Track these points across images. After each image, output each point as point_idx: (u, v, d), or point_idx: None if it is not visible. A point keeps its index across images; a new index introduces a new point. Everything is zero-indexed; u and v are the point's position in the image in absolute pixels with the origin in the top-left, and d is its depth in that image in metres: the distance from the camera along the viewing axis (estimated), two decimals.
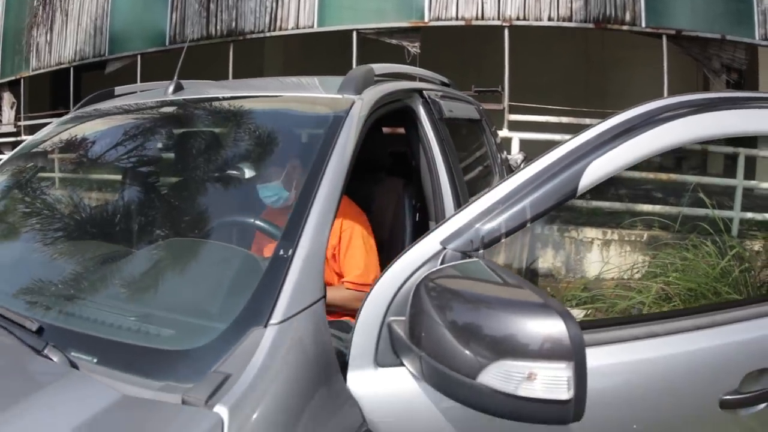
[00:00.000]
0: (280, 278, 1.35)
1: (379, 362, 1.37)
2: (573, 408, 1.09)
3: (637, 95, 2.37)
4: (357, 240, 2.35)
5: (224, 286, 1.57)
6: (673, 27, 7.95)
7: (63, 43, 11.72)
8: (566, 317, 1.08)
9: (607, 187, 5.60)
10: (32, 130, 12.27)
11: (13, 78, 12.53)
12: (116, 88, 2.82)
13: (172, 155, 2.25)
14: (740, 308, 1.81)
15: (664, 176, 5.66)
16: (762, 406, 1.60)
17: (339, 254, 2.30)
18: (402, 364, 1.35)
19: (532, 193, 1.44)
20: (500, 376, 1.10)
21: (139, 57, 10.58)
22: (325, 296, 1.42)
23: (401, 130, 2.83)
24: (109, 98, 2.68)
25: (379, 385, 1.36)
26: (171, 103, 2.30)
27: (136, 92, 2.71)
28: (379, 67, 2.33)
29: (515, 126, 8.20)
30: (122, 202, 2.14)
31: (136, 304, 1.55)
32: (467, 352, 1.15)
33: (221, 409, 1.10)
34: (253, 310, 1.32)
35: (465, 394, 1.17)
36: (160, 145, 2.27)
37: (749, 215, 5.42)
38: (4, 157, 10.63)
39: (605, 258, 5.19)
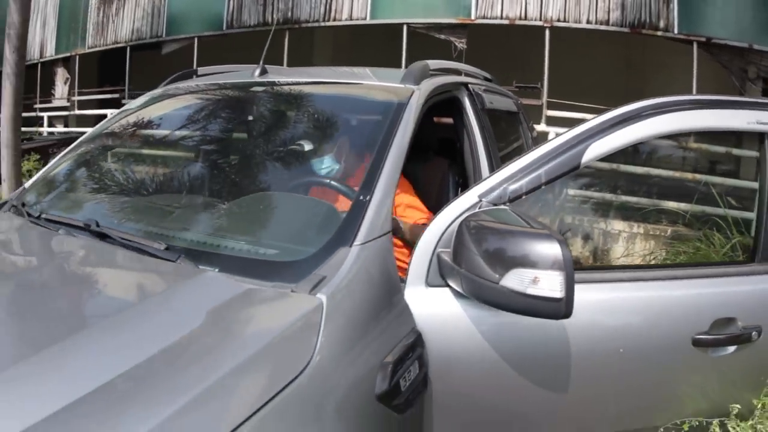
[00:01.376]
0: (360, 214, 1.89)
1: (429, 283, 1.91)
2: (564, 307, 1.61)
3: (668, 92, 2.81)
4: (413, 202, 2.98)
5: (316, 222, 2.12)
6: (703, 35, 8.41)
7: (120, 23, 12.36)
8: (562, 243, 1.61)
9: (638, 184, 6.04)
10: (83, 105, 13.01)
11: (67, 54, 13.21)
12: (198, 69, 3.40)
13: (262, 127, 2.79)
14: (713, 267, 2.33)
15: (689, 175, 6.08)
16: (730, 349, 2.10)
17: (397, 215, 2.85)
18: (446, 285, 1.89)
19: (546, 164, 2.02)
20: (515, 280, 1.63)
21: (196, 39, 11.19)
22: (391, 231, 1.96)
23: (448, 120, 3.36)
24: (190, 77, 3.25)
25: (428, 299, 1.89)
26: (259, 84, 2.86)
27: (216, 73, 3.27)
28: (434, 63, 2.86)
29: (552, 121, 8.74)
30: (226, 161, 2.70)
31: (247, 235, 2.09)
32: (493, 266, 1.69)
33: (321, 297, 1.62)
34: (341, 235, 1.85)
35: (491, 296, 1.70)
36: (251, 117, 2.82)
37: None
38: (55, 130, 11.33)
39: (629, 249, 5.62)
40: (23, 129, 11.98)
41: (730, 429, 2.12)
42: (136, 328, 1.50)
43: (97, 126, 3.14)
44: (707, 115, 2.24)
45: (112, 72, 12.86)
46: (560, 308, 1.62)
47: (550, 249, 1.61)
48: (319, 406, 1.47)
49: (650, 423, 2.13)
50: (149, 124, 3.02)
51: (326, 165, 2.53)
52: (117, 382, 1.26)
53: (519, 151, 3.93)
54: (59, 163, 2.84)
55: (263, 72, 2.89)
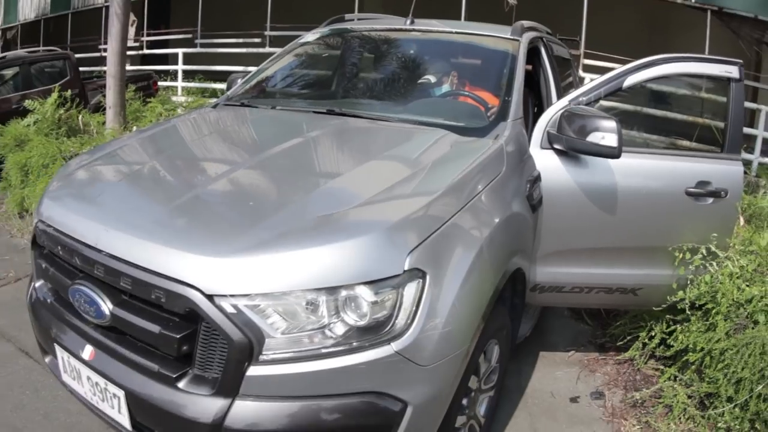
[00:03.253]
0: (509, 106, 3.68)
1: (542, 146, 3.69)
2: (618, 151, 3.35)
3: (685, 50, 4.33)
4: None
5: (480, 110, 3.89)
6: (716, 4, 10.14)
7: None
8: (616, 121, 3.36)
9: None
10: (152, 45, 14.61)
11: None
12: (345, 15, 5.18)
13: (414, 60, 4.54)
14: (699, 152, 4.12)
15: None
16: (709, 200, 3.80)
17: None
18: (551, 148, 3.66)
19: (602, 87, 3.84)
20: (593, 137, 3.39)
21: None
22: (522, 117, 3.74)
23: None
24: (340, 22, 5.02)
25: (542, 155, 3.67)
26: (411, 30, 4.62)
27: (362, 19, 5.02)
28: (525, 22, 4.59)
29: (587, 69, 10.61)
30: (393, 75, 4.41)
31: (457, 118, 3.67)
32: (579, 134, 3.47)
33: (501, 141, 3.36)
34: (502, 116, 3.63)
35: (581, 146, 3.44)
36: (410, 51, 4.57)
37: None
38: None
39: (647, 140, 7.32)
40: (91, 68, 13.73)
41: (718, 253, 3.75)
42: (411, 157, 3.13)
43: (285, 48, 4.93)
44: (697, 65, 4.03)
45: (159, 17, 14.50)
46: (616, 152, 3.38)
47: (610, 123, 3.38)
48: (510, 182, 3.23)
49: (661, 243, 3.85)
50: (336, 47, 4.85)
51: (455, 87, 4.28)
52: (403, 177, 2.84)
53: (571, 86, 5.64)
54: (262, 72, 4.64)
55: (413, 22, 4.63)
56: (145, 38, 14.51)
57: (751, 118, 12.08)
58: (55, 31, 18.68)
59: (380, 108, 3.95)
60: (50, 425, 3.50)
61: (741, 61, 4.07)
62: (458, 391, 2.68)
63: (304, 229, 2.32)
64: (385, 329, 2.25)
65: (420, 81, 4.32)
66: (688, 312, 3.78)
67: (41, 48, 11.87)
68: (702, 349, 3.65)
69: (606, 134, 3.38)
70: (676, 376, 3.95)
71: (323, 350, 2.19)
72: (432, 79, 4.30)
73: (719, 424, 3.55)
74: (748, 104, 11.50)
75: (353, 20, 5.17)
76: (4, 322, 4.63)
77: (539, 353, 4.66)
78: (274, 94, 4.51)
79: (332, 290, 2.17)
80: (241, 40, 15.01)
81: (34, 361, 4.11)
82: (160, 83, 13.11)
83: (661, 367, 4.23)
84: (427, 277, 2.33)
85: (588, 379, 4.37)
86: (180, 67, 15.03)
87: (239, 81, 4.72)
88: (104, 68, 15.21)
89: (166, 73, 14.66)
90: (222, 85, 13.75)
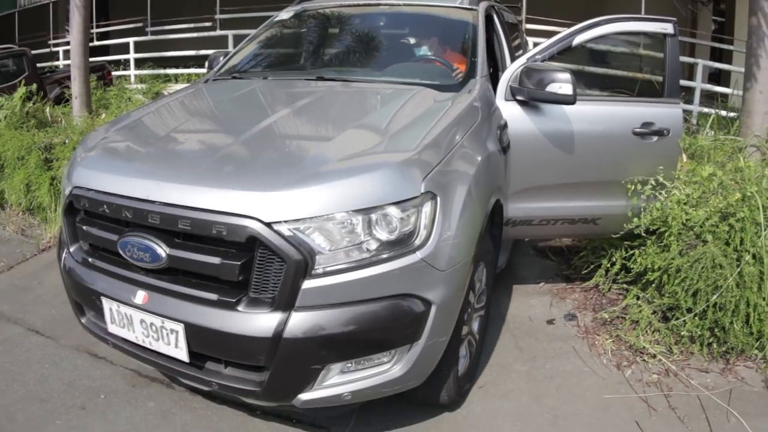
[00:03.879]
0: (477, 65, 4.25)
1: (506, 98, 4.24)
2: (573, 98, 3.92)
3: (622, 12, 4.93)
4: None
5: (451, 71, 4.43)
6: None
7: None
8: (570, 73, 3.94)
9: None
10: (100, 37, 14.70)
11: None
12: None
13: (382, 28, 5.10)
14: (643, 98, 4.72)
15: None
16: (654, 139, 4.40)
17: None
18: (514, 100, 4.23)
19: (554, 46, 4.43)
20: (551, 87, 3.95)
21: None
22: (488, 74, 4.30)
23: None
24: (307, 0, 5.52)
25: (506, 106, 4.22)
26: (377, 4, 5.18)
27: None
28: None
29: (530, 33, 11.29)
30: (368, 45, 4.94)
31: (431, 77, 4.30)
32: (538, 85, 4.03)
33: (474, 95, 3.92)
34: (471, 73, 4.21)
35: (540, 96, 4.02)
36: (380, 23, 5.12)
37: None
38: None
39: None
40: (43, 64, 13.95)
41: (665, 183, 4.34)
42: (404, 109, 3.65)
43: (262, 26, 5.40)
44: (636, 24, 4.62)
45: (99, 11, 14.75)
46: (571, 99, 3.94)
47: (565, 74, 3.94)
48: (484, 128, 3.76)
49: (615, 177, 4.42)
50: (307, 22, 5.39)
51: (426, 52, 4.81)
52: (403, 124, 3.39)
53: (520, 48, 6.18)
54: (243, 49, 5.13)
55: None
56: (94, 30, 14.73)
57: (690, 71, 12.86)
58: (2, 29, 18.70)
59: (363, 73, 4.51)
60: (76, 392, 3.78)
61: (675, 18, 4.66)
62: (465, 298, 3.26)
63: (337, 166, 2.86)
64: (411, 241, 2.78)
65: (403, 44, 4.92)
66: (644, 235, 4.35)
67: None
68: (659, 268, 4.22)
69: (562, 84, 3.95)
70: (638, 296, 4.55)
71: (362, 261, 2.72)
72: (412, 41, 4.89)
73: (682, 333, 4.15)
74: (686, 59, 12.33)
75: None
76: (7, 308, 4.93)
77: (513, 286, 5.28)
78: (261, 67, 5.01)
79: (367, 211, 2.67)
80: (191, 25, 15.33)
81: (46, 338, 4.43)
82: (112, 73, 13.37)
83: (624, 290, 4.84)
84: (438, 198, 2.88)
85: (560, 304, 4.99)
86: (132, 55, 15.32)
87: (221, 59, 5.19)
88: (57, 63, 15.63)
89: (117, 63, 14.92)
90: (176, 71, 14.11)
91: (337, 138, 3.24)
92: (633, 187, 4.35)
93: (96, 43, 15.02)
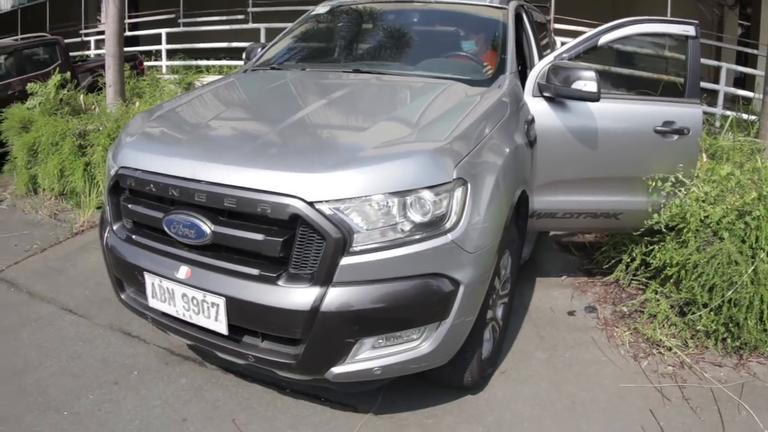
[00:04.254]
0: (506, 63, 4.41)
1: (533, 95, 4.40)
2: (597, 95, 4.09)
3: (649, 14, 5.05)
4: None
5: (481, 66, 4.60)
6: None
7: None
8: (595, 71, 4.11)
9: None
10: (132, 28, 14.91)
11: None
12: None
13: (415, 24, 5.27)
14: (665, 97, 4.85)
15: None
16: (675, 137, 4.54)
17: None
18: (541, 96, 4.39)
19: (580, 45, 4.62)
20: (577, 85, 4.11)
21: None
22: (517, 70, 4.46)
23: None
24: None
25: (534, 102, 4.39)
26: (411, 1, 5.36)
27: None
28: None
29: (557, 32, 11.44)
30: (402, 41, 5.12)
31: (465, 72, 4.44)
32: (565, 82, 4.19)
33: (501, 89, 4.11)
34: (500, 70, 4.36)
35: (566, 92, 4.19)
36: (414, 20, 5.29)
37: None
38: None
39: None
40: (74, 53, 14.19)
41: (685, 181, 4.48)
42: (439, 101, 3.82)
43: (299, 20, 5.60)
44: (659, 26, 4.78)
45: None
46: (595, 96, 4.11)
47: (590, 73, 4.10)
48: (513, 122, 3.93)
49: (636, 174, 4.57)
50: (342, 17, 5.59)
51: (457, 48, 4.99)
52: (435, 115, 3.56)
53: (548, 47, 6.32)
54: (281, 42, 5.32)
55: None
56: (127, 21, 14.98)
57: (715, 75, 12.93)
58: (33, 19, 19.04)
59: (396, 67, 4.68)
60: (109, 368, 3.94)
61: (696, 21, 4.77)
62: (491, 282, 3.43)
63: (375, 152, 3.04)
64: (442, 224, 2.96)
65: (435, 40, 5.16)
66: (663, 231, 4.50)
67: (25, 36, 12.26)
68: (677, 263, 4.36)
69: (587, 82, 4.11)
70: (657, 290, 4.68)
71: (397, 241, 2.90)
72: (444, 37, 5.14)
73: (698, 327, 4.30)
74: (711, 62, 12.40)
75: None
76: (42, 287, 5.12)
77: (536, 279, 5.45)
78: (297, 59, 5.20)
79: (402, 194, 2.85)
80: (224, 18, 15.54)
81: (79, 317, 4.60)
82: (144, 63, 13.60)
83: (643, 285, 4.98)
84: (468, 185, 3.05)
85: (581, 297, 5.15)
86: (164, 46, 15.59)
87: (259, 50, 5.38)
88: (88, 52, 15.89)
89: (148, 53, 15.16)
90: (207, 62, 14.30)
91: (373, 127, 3.39)
92: (654, 184, 4.48)
93: (127, 33, 15.23)
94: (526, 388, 3.88)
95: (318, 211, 2.81)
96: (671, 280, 4.51)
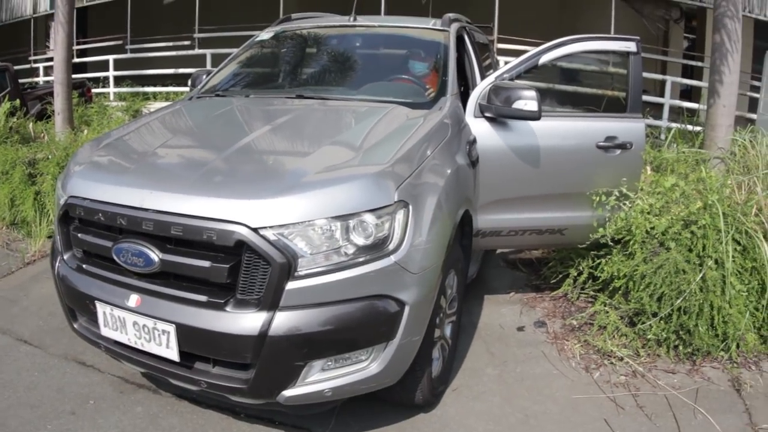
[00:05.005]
0: (447, 85, 4.49)
1: (475, 115, 4.50)
2: (538, 114, 4.20)
3: (595, 32, 5.24)
4: None
5: (423, 89, 4.68)
6: None
7: None
8: (536, 90, 4.21)
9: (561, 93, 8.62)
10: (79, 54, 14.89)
11: None
12: (292, 15, 5.96)
13: (358, 48, 5.37)
14: (607, 113, 4.99)
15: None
16: (617, 152, 4.67)
17: None
18: (483, 116, 4.49)
19: (521, 65, 4.72)
20: (518, 104, 4.21)
21: None
22: (458, 92, 4.55)
23: None
24: (288, 21, 5.80)
25: (475, 123, 4.48)
26: (354, 26, 5.43)
27: (307, 18, 5.84)
28: (450, 15, 5.40)
29: (501, 52, 11.60)
30: (345, 65, 5.22)
31: (404, 95, 4.57)
32: (505, 102, 4.29)
33: (445, 112, 4.17)
34: (442, 92, 4.45)
35: (507, 112, 4.29)
36: (357, 44, 5.38)
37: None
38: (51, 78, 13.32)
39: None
40: (22, 80, 14.10)
41: (629, 194, 4.58)
42: (380, 125, 3.89)
43: (243, 47, 5.63)
44: (601, 43, 4.91)
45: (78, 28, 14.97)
46: (536, 114, 4.21)
47: (530, 92, 4.20)
48: (454, 143, 4.00)
49: (580, 189, 4.67)
50: (287, 43, 5.64)
51: (399, 71, 5.06)
52: (377, 139, 3.63)
53: (490, 68, 6.45)
54: (225, 68, 5.36)
55: (356, 19, 5.44)
56: (75, 47, 14.92)
57: (661, 88, 13.22)
58: None
59: (340, 92, 4.77)
60: (66, 398, 3.90)
61: (638, 37, 4.93)
62: (437, 302, 3.50)
63: (318, 177, 3.10)
64: (385, 246, 3.03)
65: (377, 64, 5.29)
66: (610, 244, 4.63)
67: None
68: (625, 275, 4.48)
69: (528, 101, 4.21)
70: (606, 302, 4.79)
71: (341, 264, 2.96)
72: (387, 61, 5.29)
73: (649, 336, 4.40)
74: (656, 76, 12.69)
75: (299, 19, 5.96)
76: None
77: (484, 296, 5.53)
78: (242, 85, 5.25)
79: (345, 217, 2.91)
80: (171, 44, 15.57)
81: (34, 347, 4.57)
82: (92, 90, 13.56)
83: (592, 298, 5.09)
84: (410, 207, 3.12)
85: (529, 313, 5.24)
86: (112, 73, 15.55)
87: (204, 77, 5.42)
88: (37, 79, 15.78)
89: (96, 80, 15.12)
90: (154, 89, 14.28)
91: (316, 152, 3.45)
92: (598, 199, 4.61)
93: (75, 60, 15.18)
94: (478, 404, 3.94)
95: (262, 236, 2.86)
96: (619, 292, 4.62)
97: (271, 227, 2.87)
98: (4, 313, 5.15)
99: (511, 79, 4.63)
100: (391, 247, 3.04)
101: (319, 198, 2.93)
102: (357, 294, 2.99)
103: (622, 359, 4.38)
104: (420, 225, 3.17)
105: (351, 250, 2.97)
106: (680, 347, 4.37)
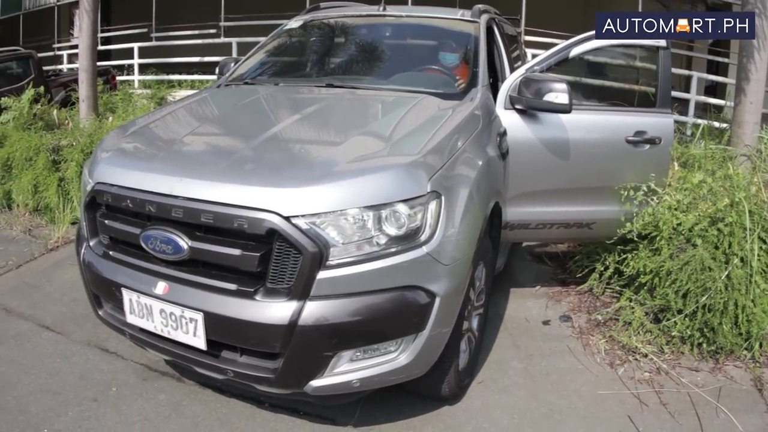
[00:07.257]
0: (477, 76, 4.46)
1: (505, 107, 4.47)
2: (569, 107, 4.16)
3: None
4: None
5: (454, 80, 4.66)
6: None
7: None
8: (566, 83, 4.18)
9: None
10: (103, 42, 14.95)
11: None
12: (321, 4, 5.94)
13: (388, 38, 5.34)
14: (637, 107, 4.95)
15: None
16: (646, 147, 4.62)
17: None
18: (513, 108, 4.46)
19: (552, 57, 4.69)
20: (549, 97, 4.18)
21: None
22: (489, 83, 4.52)
23: None
24: (316, 10, 5.77)
25: (506, 114, 4.46)
26: (383, 15, 5.40)
27: (336, 6, 5.82)
28: (480, 6, 5.37)
29: (528, 44, 11.58)
30: (374, 54, 5.20)
31: (435, 86, 4.54)
32: (536, 94, 4.26)
33: (476, 103, 4.15)
34: (472, 83, 4.41)
35: (538, 104, 4.27)
36: (386, 33, 5.35)
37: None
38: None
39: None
40: (46, 67, 14.18)
41: (657, 190, 4.54)
42: (411, 115, 3.87)
43: (271, 35, 5.62)
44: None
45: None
46: (567, 108, 4.18)
47: (561, 84, 4.17)
48: (485, 135, 3.98)
49: (608, 183, 4.64)
50: (315, 31, 5.63)
51: (440, 60, 5.02)
52: (408, 129, 3.62)
53: (519, 59, 6.42)
54: (254, 56, 5.35)
55: (385, 8, 5.41)
56: (99, 35, 14.99)
57: (687, 84, 13.11)
58: (5, 33, 18.94)
59: (370, 81, 4.74)
60: (88, 385, 3.91)
61: None
62: (466, 294, 3.47)
63: (350, 166, 3.07)
64: (418, 236, 3.00)
65: (407, 54, 5.21)
66: (636, 239, 4.57)
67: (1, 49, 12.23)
68: (651, 271, 4.44)
69: (559, 94, 4.18)
70: (631, 298, 4.74)
71: (372, 254, 2.93)
72: (417, 51, 5.23)
73: (673, 333, 4.36)
74: (682, 72, 12.58)
75: (328, 8, 5.93)
76: (18, 304, 5.07)
77: (510, 289, 5.50)
78: (270, 74, 5.24)
79: (377, 207, 2.89)
80: (196, 32, 15.59)
81: (57, 334, 4.57)
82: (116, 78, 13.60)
83: (617, 293, 5.05)
84: (442, 198, 3.09)
85: (555, 307, 5.21)
86: (136, 60, 15.60)
87: (232, 65, 5.40)
88: (61, 66, 15.88)
89: (120, 68, 15.17)
90: (179, 77, 14.31)
91: (347, 141, 3.44)
92: (626, 193, 4.56)
93: (100, 47, 15.26)
94: (503, 398, 3.92)
95: (294, 225, 2.84)
96: (645, 288, 4.57)
97: (303, 216, 2.85)
98: (27, 299, 5.15)
99: (542, 71, 4.59)
100: (423, 237, 3.01)
101: (351, 187, 2.91)
102: (388, 285, 2.97)
103: (646, 356, 4.35)
104: (452, 216, 3.15)
105: (383, 240, 2.94)
106: (704, 345, 4.33)
